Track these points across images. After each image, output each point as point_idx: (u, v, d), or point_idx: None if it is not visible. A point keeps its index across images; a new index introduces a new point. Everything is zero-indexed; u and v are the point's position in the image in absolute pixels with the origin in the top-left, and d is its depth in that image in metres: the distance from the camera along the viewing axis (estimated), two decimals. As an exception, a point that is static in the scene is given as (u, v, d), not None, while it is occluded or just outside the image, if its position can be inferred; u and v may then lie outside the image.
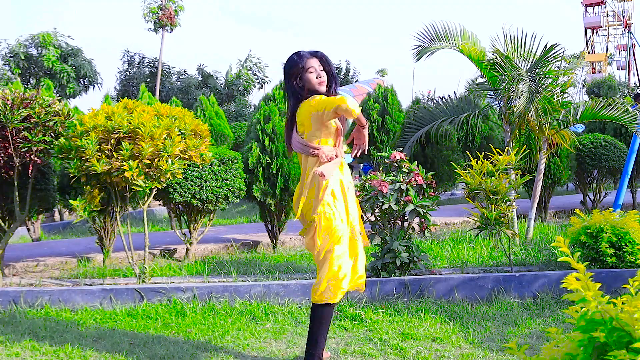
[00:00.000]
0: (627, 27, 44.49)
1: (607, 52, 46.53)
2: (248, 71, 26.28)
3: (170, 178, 4.55)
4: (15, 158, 4.58)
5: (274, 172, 6.22)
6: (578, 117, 6.37)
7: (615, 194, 7.27)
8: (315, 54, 2.97)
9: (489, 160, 4.63)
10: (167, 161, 4.35)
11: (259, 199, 6.30)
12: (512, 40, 6.21)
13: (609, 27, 47.17)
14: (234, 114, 21.79)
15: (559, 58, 5.88)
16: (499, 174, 4.54)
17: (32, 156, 4.62)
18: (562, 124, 6.40)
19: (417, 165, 4.88)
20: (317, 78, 2.92)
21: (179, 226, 6.19)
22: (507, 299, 4.22)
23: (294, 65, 2.93)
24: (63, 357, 3.26)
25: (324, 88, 2.95)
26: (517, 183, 4.76)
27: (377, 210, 4.68)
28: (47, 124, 4.63)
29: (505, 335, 3.49)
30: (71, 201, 4.49)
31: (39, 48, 20.50)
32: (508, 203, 4.58)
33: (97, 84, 22.05)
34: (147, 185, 4.36)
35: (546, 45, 5.86)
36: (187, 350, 3.30)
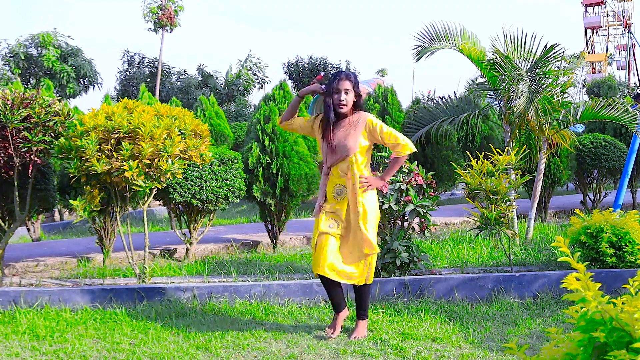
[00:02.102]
0: (627, 27, 44.48)
1: (607, 52, 46.51)
2: (248, 71, 26.27)
3: (170, 178, 4.55)
4: (15, 158, 4.58)
5: (274, 172, 6.21)
6: (578, 117, 6.37)
7: (615, 194, 7.27)
8: (347, 77, 3.49)
9: (489, 160, 4.63)
10: (167, 161, 4.35)
11: (259, 199, 6.30)
12: (512, 40, 6.21)
13: (609, 27, 47.15)
14: (234, 114, 21.78)
15: (559, 58, 5.88)
16: (499, 174, 4.54)
17: (32, 156, 4.62)
18: (562, 124, 6.40)
19: (417, 165, 4.88)
20: (338, 100, 3.45)
21: (179, 226, 6.18)
22: (507, 299, 4.21)
23: (328, 85, 3.52)
24: (63, 357, 3.26)
25: (343, 110, 3.47)
26: (517, 183, 4.76)
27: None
28: (47, 124, 4.63)
29: (505, 335, 3.49)
30: (71, 201, 4.49)
31: (39, 48, 20.49)
32: (508, 203, 4.58)
33: (97, 84, 22.04)
34: (147, 185, 4.36)
35: (546, 45, 5.86)
36: (187, 350, 3.31)
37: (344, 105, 3.43)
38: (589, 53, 44.53)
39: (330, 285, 3.54)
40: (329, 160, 3.49)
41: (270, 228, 6.65)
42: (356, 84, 3.49)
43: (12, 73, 20.23)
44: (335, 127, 3.47)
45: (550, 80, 6.04)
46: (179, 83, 25.86)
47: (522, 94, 5.77)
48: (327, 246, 3.42)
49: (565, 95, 6.30)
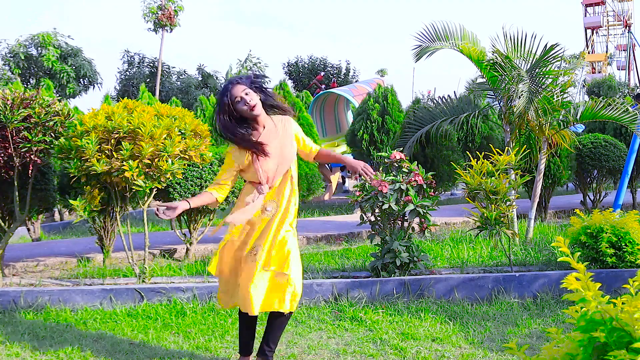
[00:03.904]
0: (627, 27, 44.50)
1: (607, 52, 46.55)
2: (248, 71, 26.31)
3: (170, 178, 4.55)
4: (15, 158, 4.58)
5: (274, 172, 6.21)
6: (578, 117, 6.37)
7: (615, 194, 7.27)
8: (237, 82, 2.89)
9: (489, 160, 4.63)
10: (167, 161, 4.35)
11: (259, 199, 6.29)
12: (512, 40, 6.21)
13: (609, 27, 47.19)
14: (234, 114, 21.77)
15: (559, 58, 5.88)
16: (499, 174, 4.54)
17: (32, 156, 4.62)
18: (562, 124, 6.40)
19: (417, 165, 4.88)
20: (245, 105, 2.85)
21: (179, 226, 6.19)
22: (507, 299, 4.22)
23: (222, 102, 2.87)
24: (63, 357, 3.26)
25: (256, 111, 2.87)
26: (517, 183, 4.76)
27: (377, 210, 4.69)
28: (47, 124, 4.63)
29: (505, 335, 3.49)
30: (71, 201, 4.49)
31: (39, 48, 20.53)
32: (508, 203, 4.58)
33: (97, 84, 22.09)
34: (147, 185, 4.36)
35: (546, 45, 5.86)
36: (187, 350, 3.31)
37: (253, 105, 2.84)
38: (589, 53, 44.57)
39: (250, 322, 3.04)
40: (275, 177, 2.93)
41: (270, 228, 6.64)
42: (250, 83, 2.91)
43: (12, 73, 20.25)
44: (264, 138, 2.90)
45: (550, 80, 6.04)
46: (179, 83, 25.90)
47: (522, 94, 5.77)
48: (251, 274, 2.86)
49: (565, 95, 6.30)
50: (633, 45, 42.85)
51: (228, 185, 2.96)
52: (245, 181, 3.03)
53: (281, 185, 2.96)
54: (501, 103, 6.62)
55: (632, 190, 9.97)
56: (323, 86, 24.27)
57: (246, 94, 2.85)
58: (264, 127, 2.93)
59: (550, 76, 6.01)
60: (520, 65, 6.14)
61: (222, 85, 2.95)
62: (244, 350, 3.06)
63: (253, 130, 2.92)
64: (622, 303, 1.37)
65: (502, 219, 4.54)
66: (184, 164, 4.62)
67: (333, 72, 30.02)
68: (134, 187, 4.36)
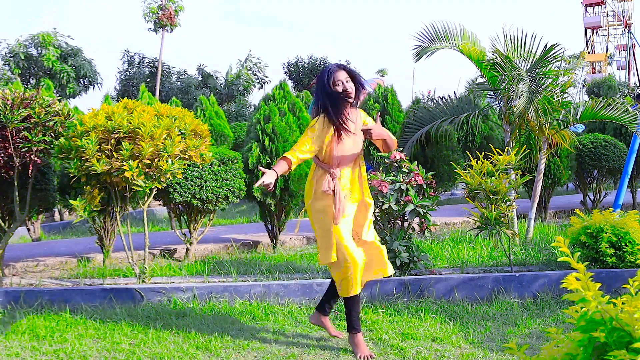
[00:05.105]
0: (627, 27, 44.48)
1: (607, 52, 46.54)
2: (248, 71, 26.29)
3: (170, 178, 4.55)
4: (15, 158, 4.58)
5: (274, 172, 6.20)
6: (578, 117, 6.37)
7: (615, 194, 7.27)
8: (341, 67, 3.24)
9: (489, 160, 4.63)
10: (167, 161, 4.35)
11: (259, 199, 6.30)
12: (512, 40, 6.21)
13: (609, 27, 47.19)
14: (234, 114, 21.78)
15: (559, 58, 5.87)
16: (499, 174, 4.54)
17: (32, 156, 4.62)
18: (562, 124, 6.40)
19: (417, 165, 4.88)
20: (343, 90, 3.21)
21: (179, 226, 6.18)
22: (507, 299, 4.22)
23: (322, 81, 3.22)
24: (63, 357, 3.26)
25: (352, 98, 3.26)
26: (517, 183, 4.76)
27: (377, 210, 4.69)
28: (47, 124, 4.63)
29: (505, 335, 3.49)
30: (71, 201, 4.49)
31: (39, 48, 20.51)
32: (508, 203, 4.58)
33: (97, 84, 22.05)
34: (147, 185, 4.36)
35: (546, 45, 5.86)
36: (187, 350, 3.31)
37: (350, 92, 3.21)
38: (589, 53, 44.57)
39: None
40: (345, 162, 3.26)
41: (270, 228, 6.65)
42: (353, 73, 3.25)
43: (12, 73, 20.23)
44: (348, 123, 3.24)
45: (550, 80, 6.04)
46: (179, 83, 25.87)
47: (522, 94, 5.77)
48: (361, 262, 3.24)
49: (565, 95, 6.30)
50: (633, 45, 42.82)
51: (305, 157, 3.19)
52: (317, 166, 3.33)
53: (353, 173, 3.30)
54: (501, 103, 6.62)
55: (632, 190, 9.97)
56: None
57: (347, 81, 3.21)
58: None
59: (550, 76, 6.01)
60: (520, 65, 6.14)
61: (326, 66, 3.34)
62: (359, 325, 3.30)
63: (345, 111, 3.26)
64: (622, 303, 1.37)
65: (502, 219, 4.54)
66: (184, 164, 4.62)
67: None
68: (134, 187, 4.37)
